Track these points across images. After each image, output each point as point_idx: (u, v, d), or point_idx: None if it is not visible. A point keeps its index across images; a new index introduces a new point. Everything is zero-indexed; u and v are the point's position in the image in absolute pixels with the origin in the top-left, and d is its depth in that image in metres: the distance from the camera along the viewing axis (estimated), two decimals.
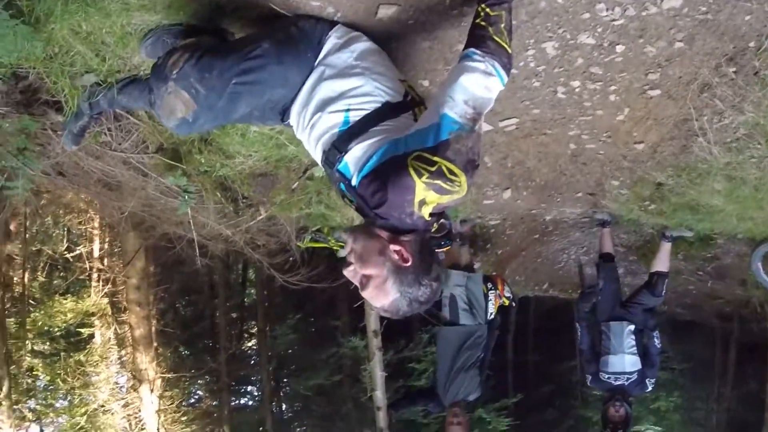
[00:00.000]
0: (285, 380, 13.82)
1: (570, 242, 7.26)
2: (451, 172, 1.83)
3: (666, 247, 5.57)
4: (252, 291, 14.03)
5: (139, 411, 9.34)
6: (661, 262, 5.58)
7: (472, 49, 2.00)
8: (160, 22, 2.61)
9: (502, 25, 2.03)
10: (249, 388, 14.42)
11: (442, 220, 4.23)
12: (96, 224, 9.64)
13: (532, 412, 12.80)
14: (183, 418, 10.62)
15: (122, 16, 2.53)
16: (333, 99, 2.14)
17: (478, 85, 1.95)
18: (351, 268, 1.97)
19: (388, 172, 1.88)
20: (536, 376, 13.99)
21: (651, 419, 14.01)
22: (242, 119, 2.39)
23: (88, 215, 9.12)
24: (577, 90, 3.49)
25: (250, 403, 14.41)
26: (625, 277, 7.59)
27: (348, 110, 2.10)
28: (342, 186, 2.09)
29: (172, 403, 10.41)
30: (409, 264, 1.90)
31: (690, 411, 13.55)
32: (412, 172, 1.82)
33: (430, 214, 1.93)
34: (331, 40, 2.29)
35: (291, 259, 6.91)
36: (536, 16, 2.79)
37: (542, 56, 3.12)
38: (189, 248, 6.10)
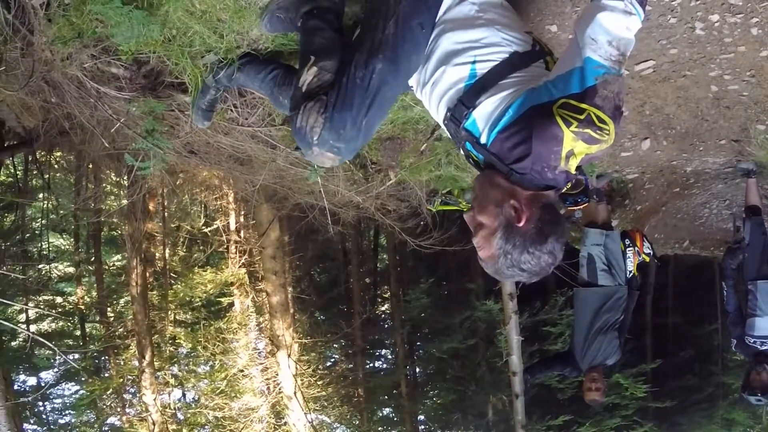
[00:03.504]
0: (419, 343, 13.89)
1: (712, 195, 6.80)
2: (600, 120, 1.71)
3: None
4: (384, 256, 14.18)
5: (277, 375, 9.61)
6: None
7: None
8: None
9: None
10: (383, 351, 14.58)
11: (578, 176, 4.04)
12: (230, 199, 9.98)
13: (670, 378, 12.21)
14: (319, 382, 10.88)
15: None
16: (457, 51, 2.03)
17: (620, 25, 1.77)
18: (470, 213, 1.91)
19: (531, 122, 1.76)
20: (676, 340, 13.28)
21: None
22: None
23: (223, 191, 9.46)
24: (716, 24, 3.23)
25: (385, 366, 14.59)
26: None
27: (474, 62, 1.97)
28: (468, 145, 1.99)
29: (308, 367, 10.69)
30: (521, 225, 1.79)
31: None
32: (560, 121, 1.70)
33: (577, 168, 1.82)
34: None
35: (422, 223, 6.88)
36: None
37: None
38: (321, 216, 6.20)
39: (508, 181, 1.84)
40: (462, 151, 2.08)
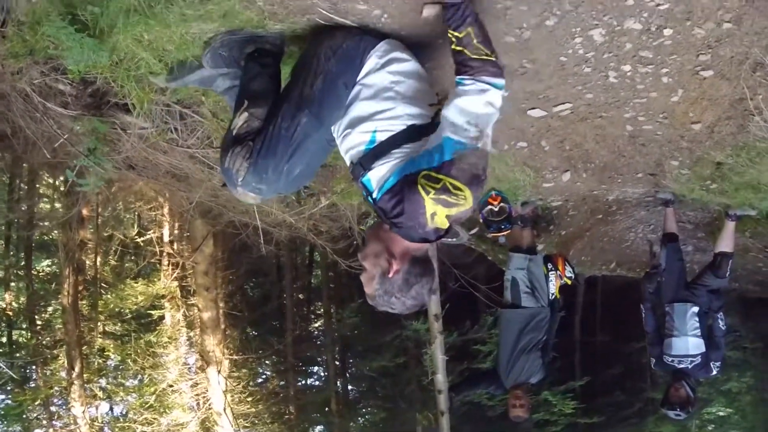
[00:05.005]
0: (350, 361, 14.01)
1: (636, 221, 7.11)
2: (455, 188, 2.07)
3: (730, 226, 5.45)
4: (318, 272, 14.29)
5: (207, 391, 9.59)
6: (725, 242, 5.46)
7: (459, 77, 2.20)
8: (217, 30, 2.73)
9: (475, 41, 2.18)
10: (315, 368, 14.66)
11: (502, 204, 4.43)
12: (165, 211, 9.88)
13: (599, 395, 12.63)
14: (249, 398, 10.89)
15: (181, 26, 2.66)
16: (364, 119, 2.33)
17: (478, 104, 2.15)
18: (360, 254, 2.31)
19: (403, 189, 2.12)
20: (604, 357, 13.72)
21: (722, 401, 13.58)
22: None
23: (158, 202, 9.38)
24: (628, 74, 3.48)
25: (316, 383, 14.62)
26: (694, 254, 7.44)
27: (375, 131, 2.30)
28: (364, 193, 2.32)
29: (239, 384, 10.69)
30: (391, 276, 2.21)
31: (762, 392, 13.10)
32: (421, 190, 2.07)
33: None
34: (372, 59, 2.41)
35: (354, 243, 7.02)
36: (580, 5, 2.82)
37: (590, 43, 3.14)
38: (254, 235, 6.29)
39: (390, 234, 2.24)
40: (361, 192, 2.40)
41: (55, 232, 9.90)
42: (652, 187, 5.45)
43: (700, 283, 5.49)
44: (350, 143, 2.37)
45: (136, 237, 10.67)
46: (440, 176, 2.07)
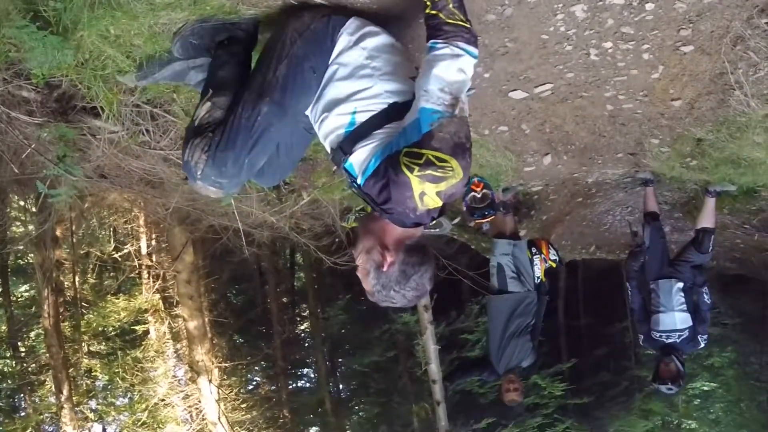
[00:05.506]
0: (340, 360, 14.00)
1: (614, 203, 7.16)
2: (440, 159, 1.94)
3: (710, 202, 5.48)
4: (301, 275, 14.23)
5: (199, 402, 9.41)
6: (707, 219, 5.50)
7: (432, 41, 2.09)
8: (187, 19, 2.63)
9: (450, 5, 2.09)
10: (305, 370, 14.63)
11: (485, 191, 4.31)
12: (141, 222, 9.72)
13: (586, 376, 12.81)
14: (243, 405, 10.76)
15: (149, 16, 2.55)
16: (341, 100, 2.23)
17: (450, 70, 2.03)
18: (353, 251, 2.22)
19: (387, 171, 2.00)
20: (589, 339, 13.94)
21: (706, 376, 13.90)
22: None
23: (133, 214, 9.24)
24: (609, 51, 3.44)
25: (308, 385, 14.63)
26: (672, 234, 7.45)
27: (354, 112, 2.19)
28: (348, 180, 2.21)
29: (231, 392, 10.53)
30: (386, 269, 2.11)
31: (744, 365, 13.39)
32: (404, 168, 1.95)
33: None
34: (344, 38, 2.31)
35: (337, 240, 6.96)
36: None
37: (572, 20, 3.09)
38: (235, 238, 6.20)
39: (380, 224, 2.14)
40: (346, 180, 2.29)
41: (31, 255, 9.69)
42: (632, 167, 5.45)
43: (683, 260, 5.52)
44: (329, 127, 2.26)
45: (113, 252, 10.43)
46: (422, 150, 1.95)
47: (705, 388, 13.79)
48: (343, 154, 2.17)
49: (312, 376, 14.52)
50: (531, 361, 5.56)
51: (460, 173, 1.98)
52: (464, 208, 5.60)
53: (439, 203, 2.05)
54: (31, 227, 9.44)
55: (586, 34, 3.24)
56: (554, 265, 5.92)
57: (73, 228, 9.51)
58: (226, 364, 10.68)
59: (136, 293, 10.61)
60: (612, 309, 14.13)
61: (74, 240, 9.73)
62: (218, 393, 9.42)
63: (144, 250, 10.27)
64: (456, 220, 6.74)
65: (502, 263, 5.56)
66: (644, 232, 5.70)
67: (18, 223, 9.99)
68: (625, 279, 5.85)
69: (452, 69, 2.03)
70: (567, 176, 5.80)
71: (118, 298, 10.58)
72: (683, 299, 5.33)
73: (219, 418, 9.24)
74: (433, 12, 2.09)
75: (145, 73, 2.85)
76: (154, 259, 10.39)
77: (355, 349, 12.58)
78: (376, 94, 2.18)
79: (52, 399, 9.62)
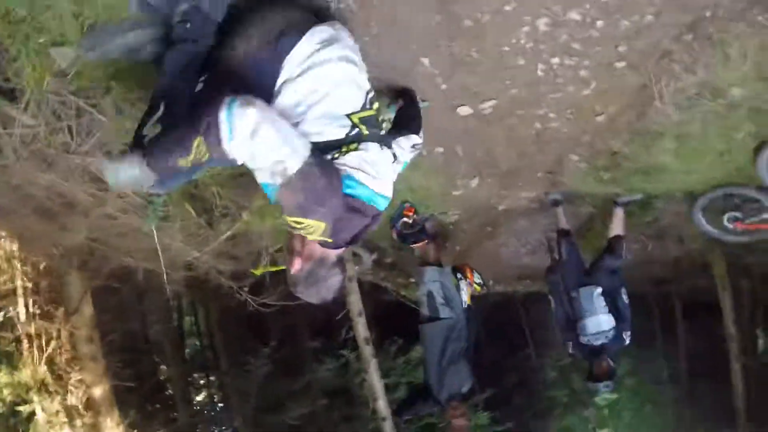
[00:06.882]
0: (267, 416, 13.18)
1: (513, 234, 7.48)
2: (297, 222, 2.19)
3: (619, 212, 5.91)
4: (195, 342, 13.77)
5: None
6: (617, 227, 5.91)
7: None
8: None
9: None
10: None
11: (415, 216, 5.10)
12: (18, 273, 8.53)
13: (502, 404, 13.09)
14: None
15: None
16: None
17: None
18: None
19: None
20: (497, 371, 14.29)
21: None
22: None
23: (8, 264, 8.08)
24: (555, 66, 3.75)
25: None
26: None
27: None
28: None
29: None
30: (293, 272, 2.41)
31: (642, 373, 14.26)
32: None
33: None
34: (288, 69, 2.35)
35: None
36: None
37: (534, 33, 3.37)
38: (133, 291, 5.67)
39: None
40: None
41: None
42: (548, 186, 5.81)
43: (599, 267, 5.84)
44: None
45: None
46: (284, 216, 2.24)
47: (614, 397, 14.59)
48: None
49: None
50: (470, 385, 5.64)
51: (319, 224, 2.18)
52: (395, 235, 5.68)
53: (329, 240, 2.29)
54: None
55: (541, 48, 3.53)
56: (479, 289, 6.12)
57: None
58: None
59: (19, 366, 9.18)
60: (513, 339, 14.89)
61: None
62: None
63: (23, 315, 8.69)
64: (374, 256, 6.75)
65: (433, 290, 5.60)
66: (559, 247, 6.03)
67: None
68: (548, 293, 6.09)
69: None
70: (483, 203, 6.07)
71: None
72: (604, 302, 5.63)
73: None
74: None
75: (94, 42, 2.56)
76: (35, 325, 9.01)
77: (283, 402, 11.88)
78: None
79: None
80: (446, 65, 3.65)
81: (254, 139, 1.88)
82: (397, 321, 9.30)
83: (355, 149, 2.33)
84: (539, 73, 3.78)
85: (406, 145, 2.75)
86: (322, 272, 2.39)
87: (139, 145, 2.17)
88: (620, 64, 3.78)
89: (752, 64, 3.71)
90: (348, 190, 2.26)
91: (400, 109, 3.46)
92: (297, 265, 2.38)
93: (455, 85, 3.86)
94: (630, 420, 14.54)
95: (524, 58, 3.60)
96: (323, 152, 2.21)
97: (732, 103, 4.11)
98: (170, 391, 12.23)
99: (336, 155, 2.29)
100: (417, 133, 2.94)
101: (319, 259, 2.37)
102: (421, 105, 3.67)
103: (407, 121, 3.14)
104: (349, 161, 2.29)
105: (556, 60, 3.66)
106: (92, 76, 3.03)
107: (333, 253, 2.40)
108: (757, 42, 3.56)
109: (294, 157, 1.96)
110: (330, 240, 2.26)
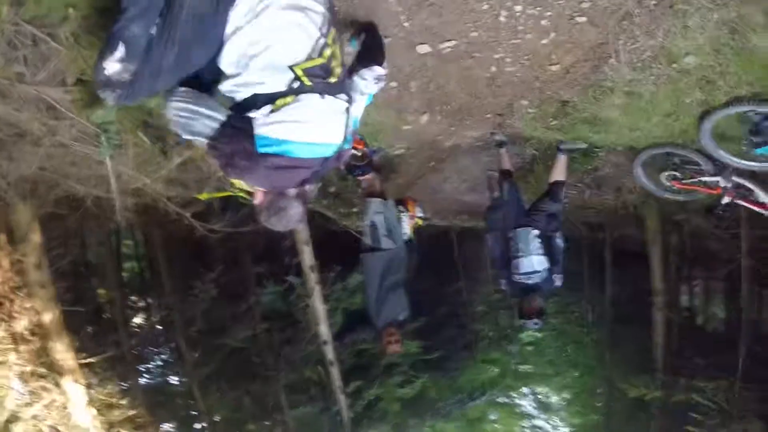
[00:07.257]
0: (215, 340, 13.20)
1: (457, 170, 7.63)
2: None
3: (562, 158, 6.09)
4: (133, 264, 13.74)
5: (65, 408, 7.80)
6: (558, 173, 6.10)
7: None
8: None
9: None
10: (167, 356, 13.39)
11: (365, 149, 5.19)
12: None
13: (432, 334, 13.55)
14: (122, 403, 9.24)
15: None
16: None
17: None
18: None
19: None
20: (429, 301, 14.61)
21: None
22: None
23: None
24: (517, 14, 3.85)
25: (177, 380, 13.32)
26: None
27: None
28: None
29: (104, 390, 9.00)
30: (256, 203, 2.74)
31: (567, 313, 14.96)
32: None
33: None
34: (234, 21, 2.44)
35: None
36: None
37: None
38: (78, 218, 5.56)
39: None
40: None
41: None
42: (494, 128, 5.94)
43: (538, 209, 6.04)
44: None
45: None
46: None
47: (538, 335, 15.23)
48: None
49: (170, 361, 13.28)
50: (406, 314, 5.81)
51: (239, 182, 2.68)
52: (342, 166, 5.73)
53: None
54: None
55: None
56: (420, 222, 6.26)
57: None
58: (93, 359, 8.84)
59: None
60: (446, 272, 15.15)
61: None
62: (88, 394, 8.09)
63: None
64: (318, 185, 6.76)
65: (376, 221, 5.71)
66: (501, 187, 6.20)
67: None
68: (485, 231, 6.27)
69: None
70: (430, 139, 6.16)
71: None
72: (540, 244, 5.85)
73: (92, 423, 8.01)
74: None
75: None
76: None
77: (228, 326, 11.92)
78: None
79: None
80: (412, 3, 3.71)
81: (171, 124, 2.48)
82: (335, 248, 9.47)
83: (290, 102, 2.44)
84: (501, 18, 3.87)
85: (369, 77, 2.91)
86: (282, 203, 2.67)
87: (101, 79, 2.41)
88: (581, 19, 3.91)
89: (709, 36, 3.89)
90: (265, 149, 2.43)
91: (363, 43, 3.56)
92: (259, 197, 2.70)
93: (418, 23, 3.92)
94: (552, 358, 15.31)
95: (488, 4, 3.68)
96: (262, 104, 2.42)
97: (684, 69, 4.29)
98: (108, 314, 12.15)
99: (271, 109, 2.43)
100: (380, 64, 3.07)
101: (278, 193, 2.66)
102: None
103: (370, 53, 3.31)
104: (274, 118, 2.42)
105: (519, 8, 3.75)
106: (49, 3, 3.04)
107: (292, 189, 2.67)
108: (716, 16, 3.73)
109: (199, 139, 2.47)
110: (267, 190, 2.67)
